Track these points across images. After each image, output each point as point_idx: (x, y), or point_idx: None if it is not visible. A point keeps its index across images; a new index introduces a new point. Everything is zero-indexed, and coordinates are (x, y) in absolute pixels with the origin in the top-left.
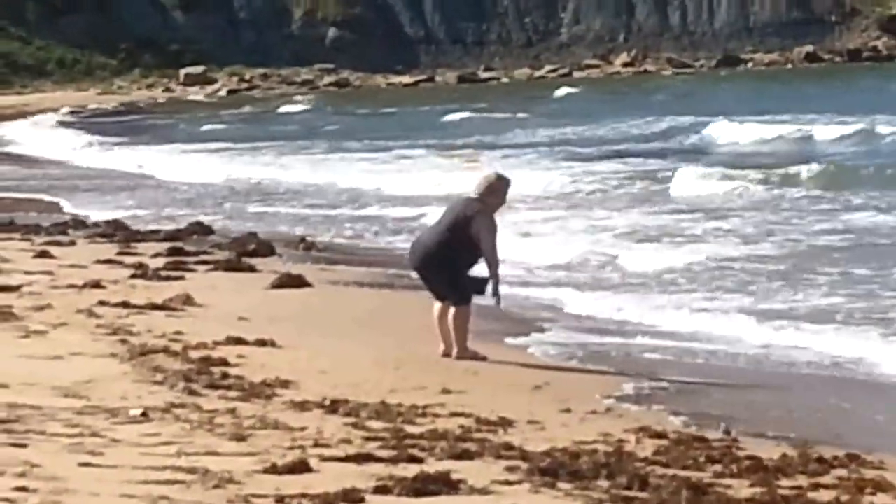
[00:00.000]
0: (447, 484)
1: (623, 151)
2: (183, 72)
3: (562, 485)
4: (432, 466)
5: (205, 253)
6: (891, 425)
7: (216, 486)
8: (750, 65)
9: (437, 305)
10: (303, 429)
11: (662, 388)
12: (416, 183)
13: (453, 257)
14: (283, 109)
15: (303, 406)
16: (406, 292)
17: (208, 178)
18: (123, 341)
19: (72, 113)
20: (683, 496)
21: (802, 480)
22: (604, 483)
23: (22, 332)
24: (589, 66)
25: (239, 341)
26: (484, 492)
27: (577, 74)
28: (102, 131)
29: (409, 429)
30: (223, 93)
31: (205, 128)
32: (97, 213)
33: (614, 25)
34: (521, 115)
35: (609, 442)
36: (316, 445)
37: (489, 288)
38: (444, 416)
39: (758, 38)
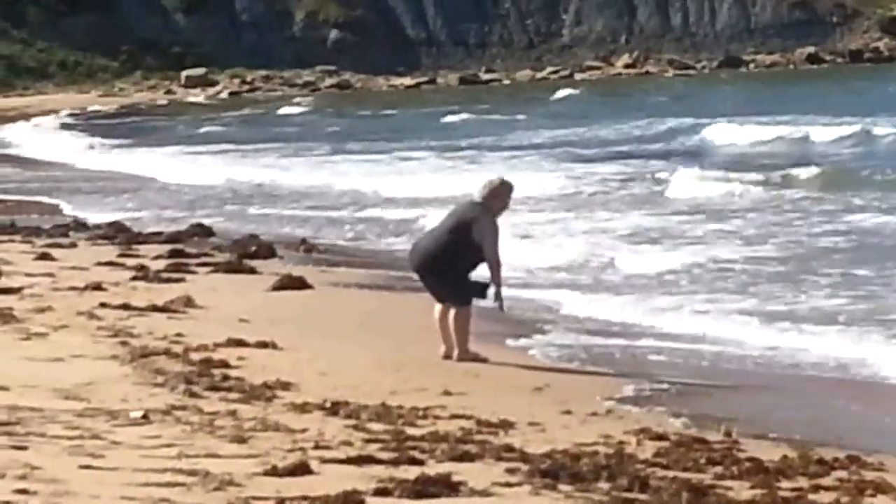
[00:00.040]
0: (448, 486)
1: (624, 153)
2: (184, 74)
3: (562, 486)
4: (433, 468)
5: (206, 255)
6: (891, 427)
7: (217, 489)
8: (751, 66)
9: (438, 307)
10: (303, 431)
11: (663, 390)
12: (417, 185)
13: (454, 260)
14: (283, 111)
15: (303, 408)
16: (407, 294)
17: (209, 180)
18: (124, 343)
19: (73, 115)
20: (684, 498)
21: (803, 482)
22: (604, 485)
23: (23, 335)
24: (590, 68)
25: (240, 343)
26: (484, 494)
27: (578, 76)
28: (104, 133)
29: (410, 431)
30: (224, 95)
31: (205, 129)
32: (98, 216)
33: (616, 27)
34: (521, 116)
35: (609, 444)
36: (316, 447)
37: (491, 292)
38: (444, 418)
39: (759, 39)
